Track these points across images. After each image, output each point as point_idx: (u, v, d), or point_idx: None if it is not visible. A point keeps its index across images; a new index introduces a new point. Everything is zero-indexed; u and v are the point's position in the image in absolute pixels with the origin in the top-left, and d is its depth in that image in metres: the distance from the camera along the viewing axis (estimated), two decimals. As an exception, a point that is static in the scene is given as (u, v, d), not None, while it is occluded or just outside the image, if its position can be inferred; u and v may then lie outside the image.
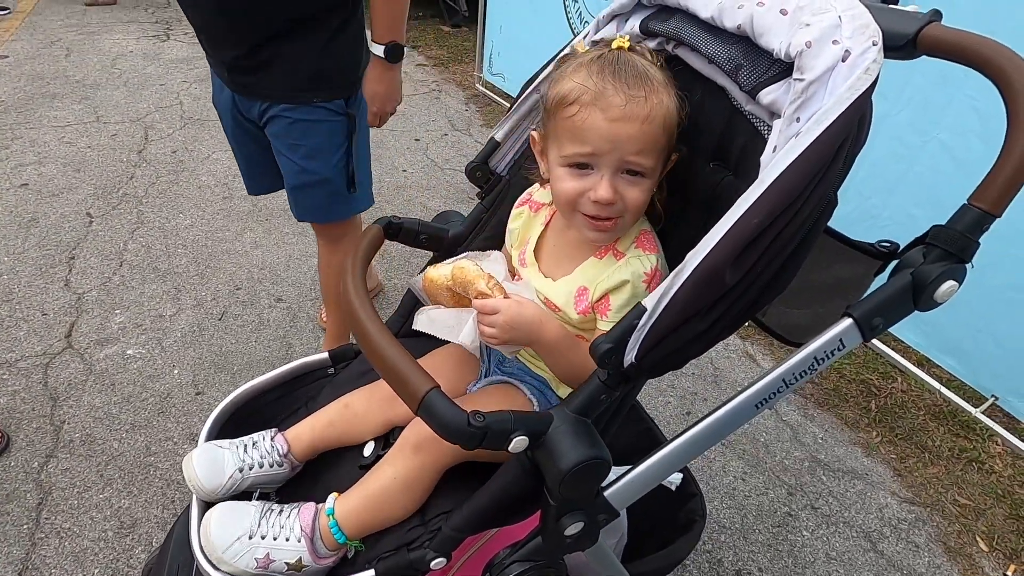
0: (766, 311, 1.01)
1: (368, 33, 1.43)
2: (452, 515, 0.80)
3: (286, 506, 0.88)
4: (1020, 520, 1.75)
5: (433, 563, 0.78)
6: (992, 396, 1.95)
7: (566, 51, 0.90)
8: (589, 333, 0.84)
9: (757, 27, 0.66)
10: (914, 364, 2.18)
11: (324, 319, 2.15)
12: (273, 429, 0.97)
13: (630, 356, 0.66)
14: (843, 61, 0.59)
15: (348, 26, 1.39)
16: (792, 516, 1.72)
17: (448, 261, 0.88)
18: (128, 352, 1.98)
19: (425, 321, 0.85)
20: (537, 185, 0.97)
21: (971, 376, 2.01)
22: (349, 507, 0.85)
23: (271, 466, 0.92)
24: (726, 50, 0.72)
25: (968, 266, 0.65)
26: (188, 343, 2.04)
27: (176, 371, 1.93)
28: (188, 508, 0.93)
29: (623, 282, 0.80)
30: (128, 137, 3.27)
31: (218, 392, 1.87)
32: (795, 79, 0.61)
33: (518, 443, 0.65)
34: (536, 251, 0.93)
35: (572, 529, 0.73)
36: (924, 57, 0.69)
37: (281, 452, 0.93)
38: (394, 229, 0.96)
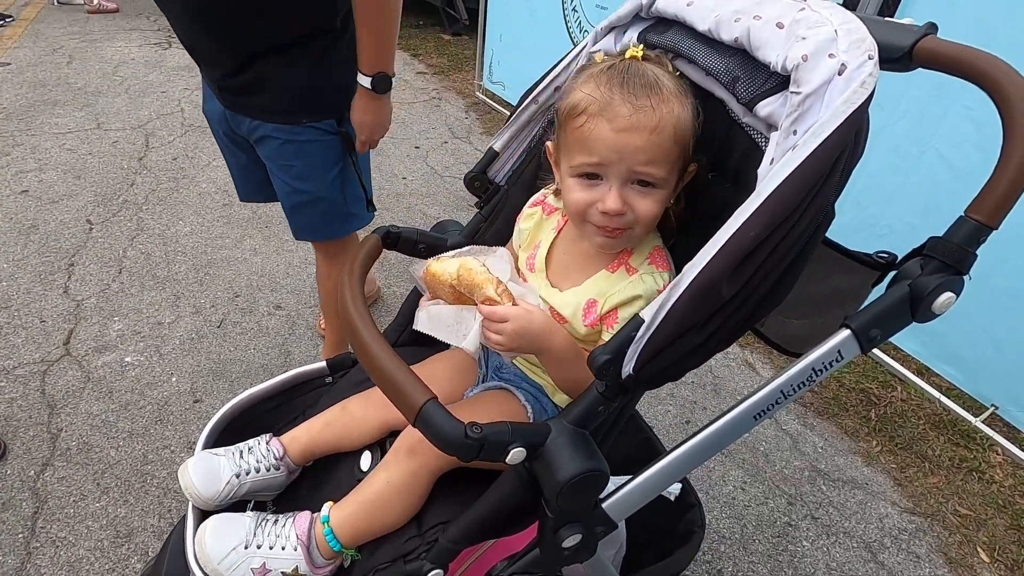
0: (764, 322, 1.01)
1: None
2: (449, 526, 0.80)
3: (281, 516, 0.88)
4: (1021, 531, 1.74)
5: (430, 575, 0.78)
6: (992, 405, 1.94)
7: (583, 61, 0.90)
8: (593, 346, 0.83)
9: (754, 40, 0.67)
10: (914, 373, 2.18)
11: (323, 327, 2.15)
12: (268, 434, 0.97)
13: (628, 368, 0.66)
14: (839, 75, 0.59)
15: (337, 47, 1.36)
16: (792, 526, 1.71)
17: (452, 254, 0.86)
18: (126, 359, 1.98)
19: (425, 320, 0.83)
20: (555, 185, 0.96)
21: (971, 385, 2.00)
22: (344, 515, 0.85)
23: (267, 470, 0.92)
24: (723, 62, 0.72)
25: (966, 278, 0.65)
26: (186, 350, 2.03)
27: (174, 379, 1.93)
28: (184, 518, 0.92)
29: (635, 297, 0.80)
30: (129, 144, 3.28)
31: (216, 400, 1.87)
32: (792, 92, 0.61)
33: (515, 455, 0.65)
34: (546, 258, 0.92)
35: (570, 541, 0.72)
36: (920, 69, 0.69)
37: (277, 455, 0.93)
38: (393, 238, 0.97)
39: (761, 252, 0.60)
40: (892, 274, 0.69)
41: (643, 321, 0.65)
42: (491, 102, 4.10)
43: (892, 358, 2.23)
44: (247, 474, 0.91)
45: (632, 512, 0.77)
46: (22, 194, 2.76)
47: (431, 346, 1.09)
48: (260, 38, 1.29)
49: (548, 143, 0.88)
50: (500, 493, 0.76)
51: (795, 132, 0.60)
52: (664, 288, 0.78)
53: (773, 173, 0.60)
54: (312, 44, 1.33)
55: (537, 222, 0.95)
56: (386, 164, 3.35)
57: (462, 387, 0.98)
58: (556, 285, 0.89)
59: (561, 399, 0.93)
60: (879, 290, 0.72)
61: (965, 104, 1.78)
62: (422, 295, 1.08)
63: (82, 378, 1.89)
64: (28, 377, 1.87)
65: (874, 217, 2.11)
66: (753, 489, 1.80)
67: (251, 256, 2.52)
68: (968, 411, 2.04)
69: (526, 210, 0.98)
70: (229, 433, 1.02)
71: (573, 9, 3.21)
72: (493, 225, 1.05)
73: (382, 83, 1.32)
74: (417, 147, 3.59)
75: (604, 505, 0.75)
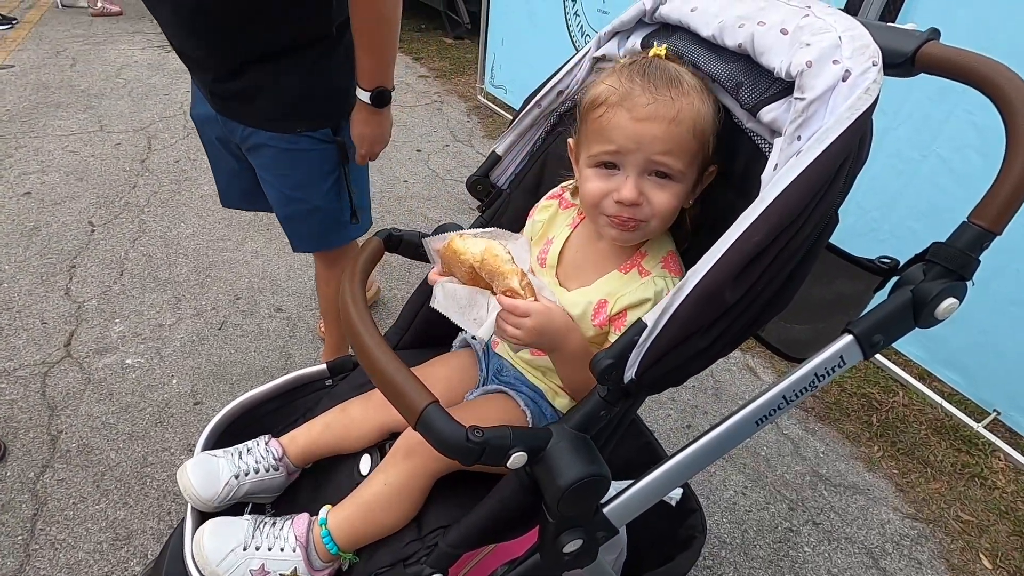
0: (766, 327, 1.01)
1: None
2: (449, 531, 0.80)
3: (280, 518, 0.88)
4: (1024, 537, 1.73)
5: (430, 579, 0.78)
6: (994, 411, 1.94)
7: (587, 66, 0.91)
8: (600, 348, 0.83)
9: (758, 46, 0.67)
10: (916, 378, 2.17)
11: (323, 331, 2.15)
12: (267, 435, 0.97)
13: (630, 372, 0.66)
14: (843, 81, 0.59)
15: (333, 54, 1.34)
16: (793, 531, 1.70)
17: (475, 232, 0.84)
18: (127, 361, 1.98)
19: (441, 298, 0.81)
20: (573, 182, 0.95)
21: (973, 390, 2.00)
22: (341, 517, 0.85)
23: (266, 471, 0.92)
24: (727, 68, 0.72)
25: (969, 283, 0.65)
26: (187, 353, 2.03)
27: (175, 381, 1.93)
28: (184, 521, 0.92)
29: (645, 300, 0.79)
30: (131, 146, 3.29)
31: (217, 402, 1.87)
32: (796, 98, 0.61)
33: (517, 459, 0.65)
34: (558, 255, 0.91)
35: (571, 546, 0.72)
36: (922, 74, 0.69)
37: (276, 456, 0.93)
38: (394, 242, 0.97)
39: (765, 257, 0.60)
40: (894, 280, 0.69)
41: (646, 326, 0.65)
42: (493, 106, 4.11)
43: (894, 363, 2.23)
44: (246, 475, 0.91)
45: (633, 517, 0.77)
46: (25, 196, 2.77)
47: (432, 349, 1.09)
48: (254, 44, 1.26)
49: (569, 140, 0.88)
50: (501, 498, 0.75)
51: (799, 138, 0.61)
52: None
53: (777, 179, 0.60)
54: (308, 51, 1.30)
55: (552, 215, 0.95)
56: (388, 167, 3.36)
57: (462, 390, 0.98)
58: (564, 284, 0.88)
59: (561, 403, 0.92)
60: (881, 296, 0.72)
61: (967, 109, 1.78)
62: (428, 300, 1.08)
63: (83, 380, 1.89)
64: (29, 379, 1.87)
65: (876, 221, 2.11)
66: (754, 494, 1.79)
67: (252, 259, 2.52)
68: (970, 416, 2.03)
69: (542, 202, 0.97)
70: (229, 435, 1.02)
71: (575, 13, 3.21)
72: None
73: (381, 98, 1.31)
74: (419, 150, 3.60)
75: (605, 510, 0.75)
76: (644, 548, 1.11)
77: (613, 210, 0.78)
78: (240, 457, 0.92)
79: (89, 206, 2.74)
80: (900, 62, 0.67)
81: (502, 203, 1.05)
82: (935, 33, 0.69)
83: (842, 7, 1.54)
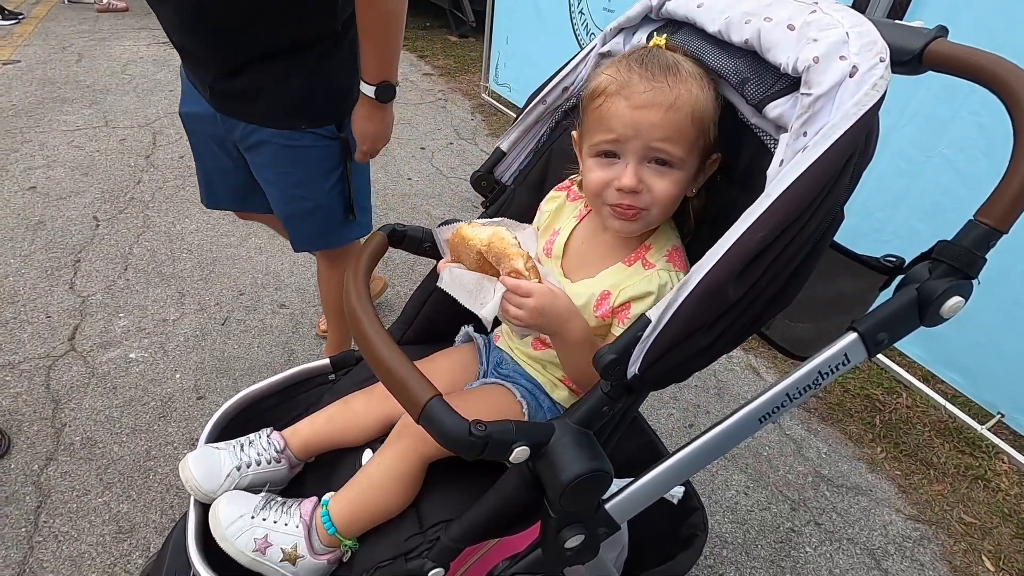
0: (770, 324, 1.01)
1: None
2: (451, 525, 0.80)
3: (289, 500, 0.89)
4: (1026, 540, 1.73)
5: (431, 573, 0.78)
6: (998, 413, 1.93)
7: (592, 63, 0.91)
8: (602, 340, 0.83)
9: (764, 42, 0.67)
10: (919, 379, 2.17)
11: (322, 329, 2.15)
12: (269, 428, 0.97)
13: (633, 368, 0.66)
14: (850, 77, 0.59)
15: (337, 51, 1.33)
16: (795, 532, 1.70)
17: (484, 222, 0.86)
18: (131, 356, 1.98)
19: (448, 280, 0.83)
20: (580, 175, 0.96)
21: (977, 392, 1.99)
22: (340, 500, 0.86)
23: (268, 463, 0.92)
24: (733, 64, 0.72)
25: (974, 282, 0.64)
26: (191, 347, 2.04)
27: (178, 375, 1.93)
28: (187, 514, 0.92)
29: (648, 293, 0.79)
30: (136, 142, 3.29)
31: (219, 397, 1.87)
32: (802, 93, 0.61)
33: (519, 453, 0.65)
34: (564, 246, 0.91)
35: (572, 542, 0.72)
36: (929, 72, 0.69)
37: (278, 448, 0.94)
38: (398, 236, 0.97)
39: (769, 254, 0.60)
40: (899, 278, 0.68)
41: (649, 321, 0.65)
42: (497, 104, 4.11)
43: (897, 364, 2.22)
44: (248, 467, 0.91)
45: (635, 514, 0.77)
46: (30, 190, 2.78)
47: (435, 345, 1.09)
48: (255, 45, 1.25)
49: (573, 132, 0.89)
50: (502, 493, 0.75)
51: (805, 133, 0.60)
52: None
53: (783, 174, 0.59)
54: (312, 48, 1.30)
55: (559, 206, 0.95)
56: (392, 165, 3.36)
57: (464, 383, 0.98)
58: (568, 275, 0.89)
59: (560, 396, 0.92)
60: (886, 295, 0.72)
61: (973, 109, 1.77)
62: (431, 297, 1.09)
63: (87, 373, 1.90)
64: (33, 372, 1.88)
65: (880, 222, 2.10)
66: (756, 494, 1.79)
67: (256, 255, 2.53)
68: (974, 419, 2.02)
69: (551, 193, 0.98)
70: (231, 429, 1.02)
71: (580, 12, 3.21)
72: (499, 225, 1.05)
73: (385, 93, 1.30)
74: (423, 148, 3.60)
75: (607, 506, 0.74)
76: (646, 545, 1.11)
77: (615, 198, 0.78)
78: (242, 449, 0.93)
79: (94, 201, 2.75)
80: (907, 59, 0.67)
81: (506, 199, 1.05)
82: (943, 31, 0.68)
83: (850, 5, 1.54)
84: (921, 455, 1.96)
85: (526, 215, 1.00)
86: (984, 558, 1.67)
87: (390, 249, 0.97)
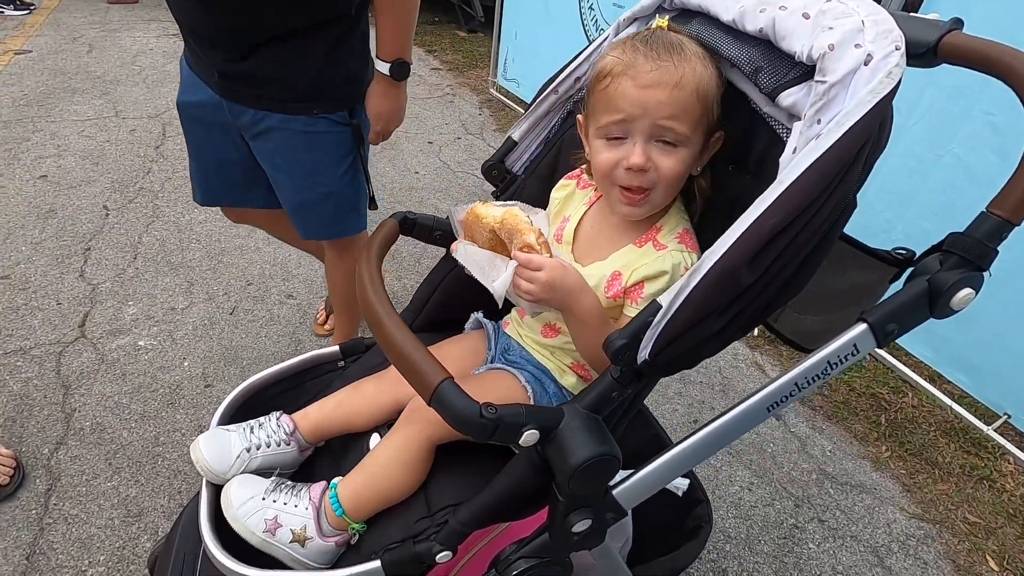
0: (778, 317, 1.01)
1: (373, 48, 1.36)
2: (459, 509, 0.80)
3: (299, 483, 0.91)
4: (1031, 540, 1.72)
5: (439, 556, 0.78)
6: (1005, 414, 1.92)
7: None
8: (614, 319, 0.84)
9: (779, 30, 0.67)
10: (925, 379, 2.16)
11: (319, 322, 2.14)
12: (279, 412, 0.98)
13: (644, 353, 0.66)
14: (865, 65, 0.59)
15: (350, 37, 1.32)
16: (799, 528, 1.70)
17: (499, 204, 0.88)
18: (140, 343, 2.00)
19: (462, 253, 0.84)
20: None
21: (983, 393, 1.99)
22: (349, 483, 0.88)
23: (278, 445, 0.94)
24: (746, 52, 0.73)
25: (985, 274, 0.64)
26: (199, 336, 2.05)
27: (186, 363, 1.95)
28: (197, 495, 0.94)
29: (662, 272, 0.80)
30: (146, 133, 3.31)
31: (227, 385, 1.89)
32: (817, 81, 0.61)
33: (529, 437, 0.66)
34: (574, 232, 0.92)
35: (580, 526, 0.73)
36: (940, 69, 0.69)
37: (287, 431, 0.95)
38: (409, 224, 0.97)
39: (782, 240, 0.60)
40: (909, 271, 0.68)
41: (661, 306, 0.65)
42: (505, 99, 4.11)
43: (904, 364, 2.22)
44: (257, 448, 0.92)
45: (642, 500, 0.77)
46: (41, 179, 2.80)
47: (443, 333, 1.09)
48: (272, 21, 1.22)
49: (579, 116, 0.90)
50: (511, 476, 0.76)
51: (819, 121, 0.61)
52: (690, 269, 0.79)
53: (796, 162, 0.60)
54: (326, 32, 1.28)
55: (569, 194, 0.96)
56: (399, 159, 3.37)
57: (471, 368, 0.99)
58: (579, 260, 0.89)
59: (569, 382, 0.93)
60: (895, 288, 0.72)
61: (985, 108, 1.76)
62: (439, 287, 1.10)
63: (96, 360, 1.91)
64: (44, 358, 1.90)
65: (888, 222, 2.09)
66: (760, 490, 1.79)
67: (264, 245, 2.54)
68: (980, 419, 2.02)
69: (562, 181, 0.99)
70: (242, 413, 1.03)
71: (590, 7, 3.20)
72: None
73: (400, 70, 1.30)
74: (430, 142, 3.61)
75: (615, 492, 0.75)
76: (648, 536, 1.11)
77: (624, 178, 0.79)
78: (252, 432, 0.94)
79: (104, 190, 2.77)
80: (923, 51, 0.67)
81: (516, 189, 1.05)
82: (958, 23, 0.68)
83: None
84: (926, 454, 1.96)
85: (536, 205, 1.01)
86: (988, 558, 1.67)
87: (395, 245, 0.97)
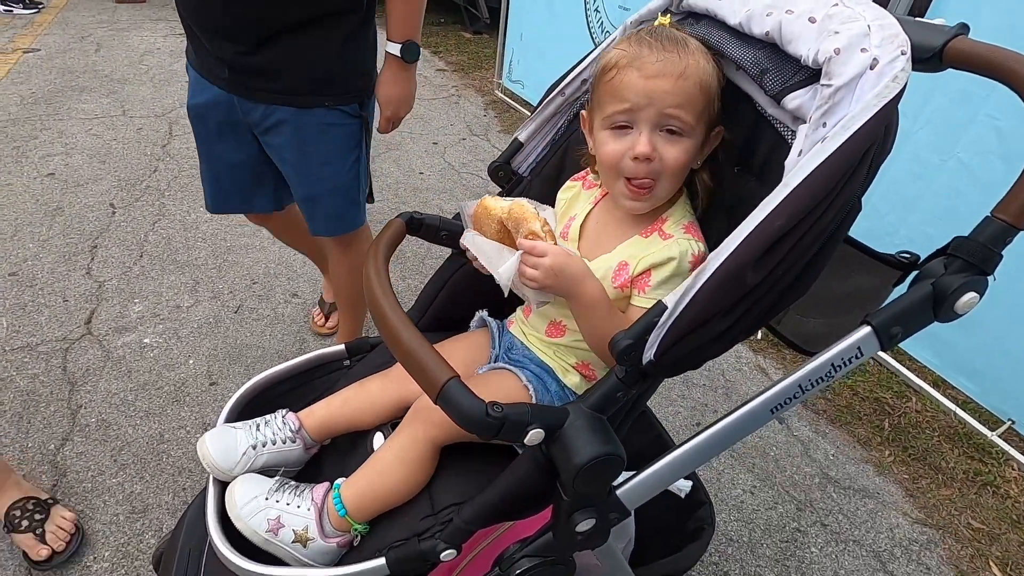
0: (782, 319, 1.01)
1: (381, 34, 1.37)
2: (463, 507, 0.81)
3: (304, 484, 0.91)
4: (1034, 547, 1.72)
5: (443, 554, 0.79)
6: (1009, 420, 1.92)
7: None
8: (621, 309, 0.84)
9: (785, 34, 0.67)
10: (929, 384, 2.16)
11: (316, 321, 2.15)
12: (285, 410, 0.99)
13: (649, 353, 0.67)
14: (871, 69, 0.59)
15: (362, 29, 1.33)
16: (801, 532, 1.70)
17: (508, 198, 0.90)
18: (145, 341, 2.01)
19: (471, 241, 0.87)
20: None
21: (987, 398, 1.98)
22: (352, 483, 0.88)
23: (283, 442, 0.94)
24: (752, 54, 0.73)
25: (990, 279, 0.65)
26: (204, 334, 2.07)
27: (191, 361, 1.96)
28: (203, 492, 0.94)
29: (669, 258, 0.81)
30: (153, 131, 3.33)
31: (232, 383, 1.90)
32: (822, 84, 0.62)
33: (534, 436, 0.66)
34: (580, 229, 0.93)
35: (584, 526, 0.73)
36: (945, 74, 0.69)
37: (293, 429, 0.95)
38: (416, 224, 0.98)
39: (787, 241, 0.60)
40: (913, 274, 0.69)
41: (666, 307, 0.66)
42: (510, 100, 4.12)
43: (907, 368, 2.21)
44: (263, 446, 0.93)
45: (646, 500, 0.77)
46: (48, 177, 2.82)
47: (449, 332, 1.10)
48: (290, 11, 1.23)
49: (583, 112, 0.91)
50: (516, 475, 0.76)
51: (824, 124, 0.61)
52: (700, 254, 0.81)
53: (801, 164, 0.60)
54: (341, 22, 1.29)
55: (575, 195, 0.98)
56: (404, 159, 3.38)
57: (475, 367, 0.99)
58: (586, 255, 0.90)
59: (572, 381, 0.93)
60: (899, 292, 0.72)
61: (990, 113, 1.76)
62: (444, 286, 1.11)
63: (102, 357, 1.93)
64: (50, 354, 1.91)
65: (892, 226, 2.09)
66: (762, 494, 1.79)
67: (269, 244, 2.55)
68: (984, 425, 2.01)
69: (567, 183, 1.00)
70: (249, 411, 1.03)
71: (595, 10, 3.21)
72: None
73: (411, 51, 1.31)
74: (435, 143, 3.62)
75: (619, 492, 0.75)
76: (650, 537, 1.11)
77: (630, 169, 0.81)
78: (258, 429, 0.95)
79: (111, 188, 2.79)
80: (928, 57, 0.67)
81: (522, 190, 1.06)
82: (964, 28, 0.68)
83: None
84: (930, 460, 1.95)
85: (543, 205, 1.01)
86: (992, 564, 1.67)
87: (400, 245, 0.97)
